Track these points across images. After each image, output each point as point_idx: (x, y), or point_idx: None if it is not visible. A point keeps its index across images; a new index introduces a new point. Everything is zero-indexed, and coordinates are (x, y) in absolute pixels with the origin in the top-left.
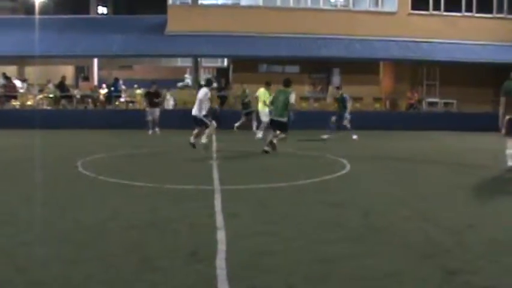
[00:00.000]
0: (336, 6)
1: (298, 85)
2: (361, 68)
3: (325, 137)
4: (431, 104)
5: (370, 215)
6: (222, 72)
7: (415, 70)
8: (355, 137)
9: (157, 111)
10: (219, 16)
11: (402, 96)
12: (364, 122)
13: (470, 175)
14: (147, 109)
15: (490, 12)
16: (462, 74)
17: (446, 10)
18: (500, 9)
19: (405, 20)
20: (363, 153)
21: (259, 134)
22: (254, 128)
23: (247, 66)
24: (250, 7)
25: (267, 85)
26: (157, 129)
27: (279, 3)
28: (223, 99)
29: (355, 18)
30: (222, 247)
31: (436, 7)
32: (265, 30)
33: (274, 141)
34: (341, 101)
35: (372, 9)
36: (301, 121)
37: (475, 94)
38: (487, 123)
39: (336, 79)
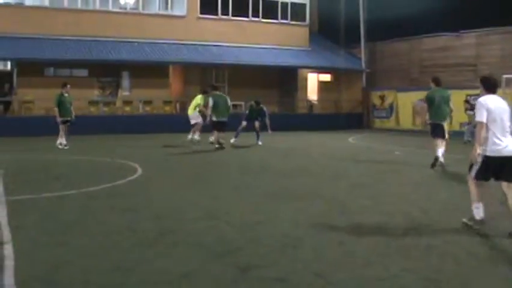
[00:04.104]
0: (125, 8)
1: (87, 89)
2: (151, 71)
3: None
4: None
5: (162, 218)
6: (5, 77)
7: (204, 73)
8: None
9: None
10: (0, 16)
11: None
12: (155, 125)
13: (260, 174)
14: None
15: (276, 18)
16: (250, 76)
17: (234, 15)
18: (284, 16)
19: (194, 23)
20: (154, 157)
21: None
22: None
23: (33, 69)
24: (35, 7)
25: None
26: None
27: (66, 4)
28: (7, 105)
29: (144, 21)
30: (10, 263)
31: (225, 12)
32: (51, 31)
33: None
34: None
35: (162, 12)
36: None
37: (262, 95)
38: (275, 124)
39: (126, 82)
